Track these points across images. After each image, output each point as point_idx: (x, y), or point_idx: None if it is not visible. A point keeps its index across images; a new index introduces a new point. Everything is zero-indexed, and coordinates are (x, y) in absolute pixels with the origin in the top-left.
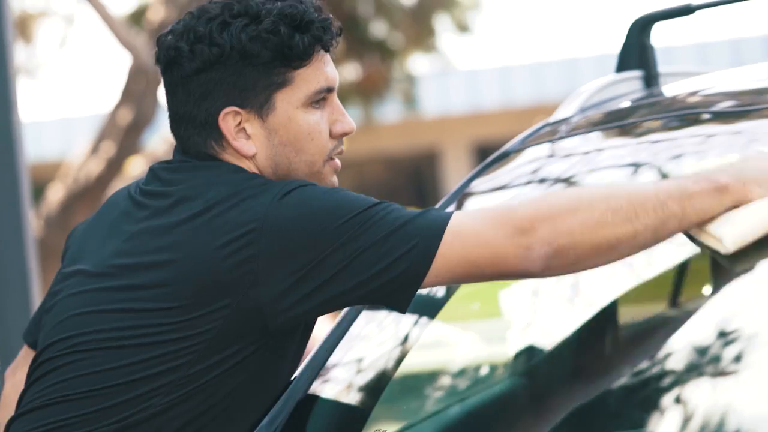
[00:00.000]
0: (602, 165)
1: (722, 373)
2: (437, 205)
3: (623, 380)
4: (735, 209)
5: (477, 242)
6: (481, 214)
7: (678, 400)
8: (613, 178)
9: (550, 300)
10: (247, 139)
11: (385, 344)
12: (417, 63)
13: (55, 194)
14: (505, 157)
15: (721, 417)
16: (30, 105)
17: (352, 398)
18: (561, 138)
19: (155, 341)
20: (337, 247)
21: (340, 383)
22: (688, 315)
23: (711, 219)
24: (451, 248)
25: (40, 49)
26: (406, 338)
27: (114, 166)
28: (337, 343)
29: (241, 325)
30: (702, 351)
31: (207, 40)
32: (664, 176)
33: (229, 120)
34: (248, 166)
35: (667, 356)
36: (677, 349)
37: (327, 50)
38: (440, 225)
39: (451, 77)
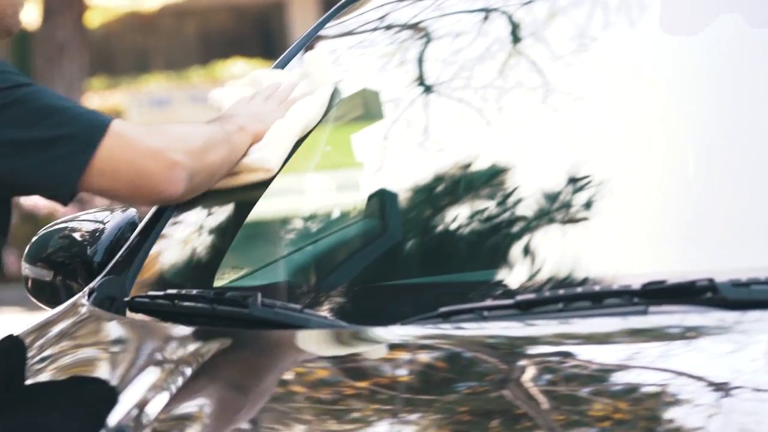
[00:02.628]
0: (453, 8)
1: (571, 221)
2: (284, 54)
3: (473, 225)
4: (253, 143)
5: (134, 157)
6: (139, 134)
7: (527, 247)
8: (459, 20)
9: (400, 145)
10: None
11: (236, 192)
12: None
13: None
14: (355, 1)
15: (572, 262)
16: None
17: (204, 241)
18: None
19: None
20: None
21: (190, 226)
22: (539, 163)
23: (241, 157)
24: (110, 150)
25: None
26: (256, 185)
27: None
28: None
29: None
30: (551, 197)
31: None
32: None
33: None
34: None
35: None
36: (527, 196)
37: None
38: (102, 122)
39: None
